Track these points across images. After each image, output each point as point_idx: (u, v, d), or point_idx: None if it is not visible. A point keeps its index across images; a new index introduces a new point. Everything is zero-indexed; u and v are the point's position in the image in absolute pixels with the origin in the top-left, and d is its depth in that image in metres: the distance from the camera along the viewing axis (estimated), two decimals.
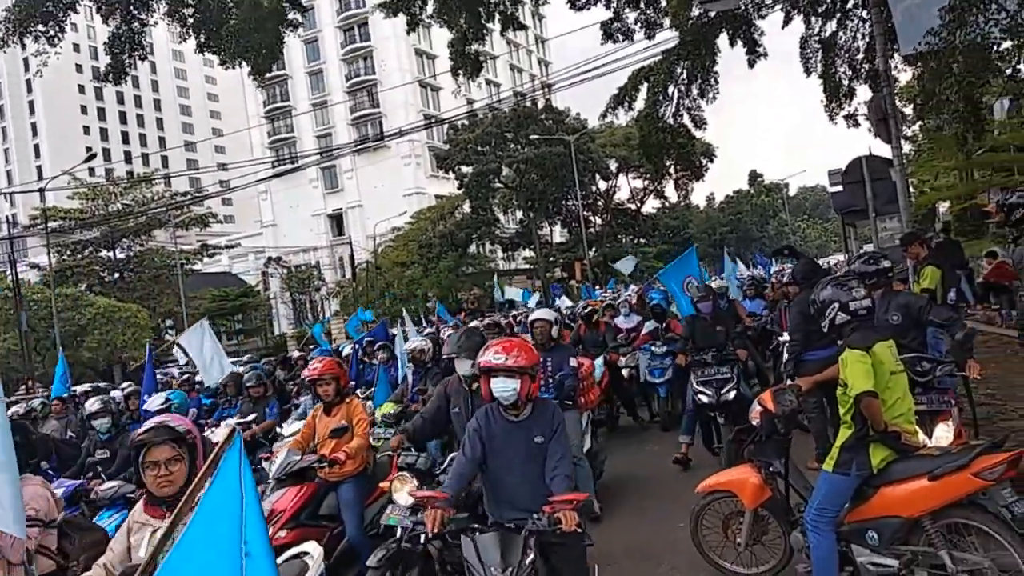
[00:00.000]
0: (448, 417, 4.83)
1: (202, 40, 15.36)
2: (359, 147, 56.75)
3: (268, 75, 17.61)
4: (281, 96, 67.09)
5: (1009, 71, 12.71)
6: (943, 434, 4.43)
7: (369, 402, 8.24)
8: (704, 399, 6.86)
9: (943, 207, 36.17)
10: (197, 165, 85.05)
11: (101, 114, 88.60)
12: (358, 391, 9.24)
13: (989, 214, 6.29)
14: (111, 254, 43.86)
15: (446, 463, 4.59)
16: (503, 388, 3.51)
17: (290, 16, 15.62)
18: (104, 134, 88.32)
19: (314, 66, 66.41)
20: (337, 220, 65.98)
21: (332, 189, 66.05)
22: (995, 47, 10.32)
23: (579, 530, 3.23)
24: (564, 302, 24.37)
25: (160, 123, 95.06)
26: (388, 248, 52.74)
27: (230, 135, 72.76)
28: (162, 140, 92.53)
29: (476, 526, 3.56)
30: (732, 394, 6.77)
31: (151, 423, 3.10)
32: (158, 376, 15.66)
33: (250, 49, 15.09)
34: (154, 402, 8.37)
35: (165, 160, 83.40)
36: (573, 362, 6.32)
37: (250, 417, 8.43)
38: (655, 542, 5.49)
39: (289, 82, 66.34)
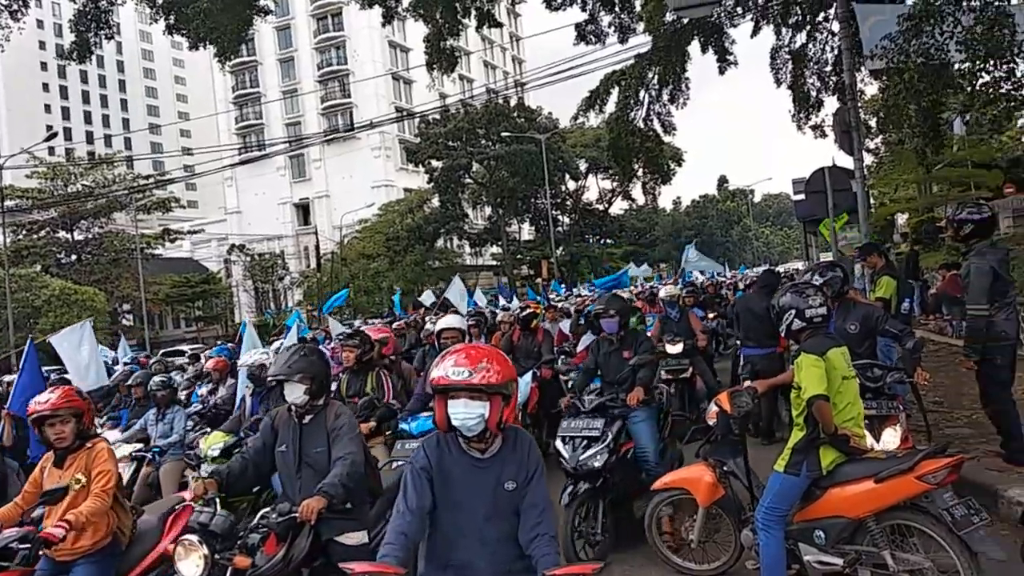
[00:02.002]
0: (273, 459, 3.88)
1: (171, 21, 15.13)
2: (329, 137, 56.21)
3: (238, 61, 17.44)
4: (250, 82, 66.14)
5: (968, 89, 13.07)
6: (890, 439, 4.60)
7: None
8: (562, 461, 5.10)
9: (902, 219, 37.12)
10: (162, 148, 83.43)
11: (63, 92, 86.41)
12: None
13: (943, 228, 6.53)
14: (69, 235, 42.83)
15: (256, 521, 3.64)
16: (466, 415, 2.59)
17: (261, 2, 15.45)
18: (66, 113, 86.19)
19: (285, 53, 65.56)
20: (304, 209, 65.27)
21: (300, 178, 65.30)
22: (954, 65, 10.64)
23: None
24: (514, 304, 23.96)
25: (124, 104, 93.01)
26: (354, 239, 52.37)
27: (197, 120, 71.48)
28: (126, 122, 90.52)
29: None
30: (598, 461, 4.93)
31: None
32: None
33: (216, 31, 14.91)
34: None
35: (128, 142, 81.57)
36: None
37: (136, 426, 7.60)
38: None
39: (259, 68, 65.45)
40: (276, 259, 56.12)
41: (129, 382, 8.52)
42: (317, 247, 49.59)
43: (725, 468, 4.37)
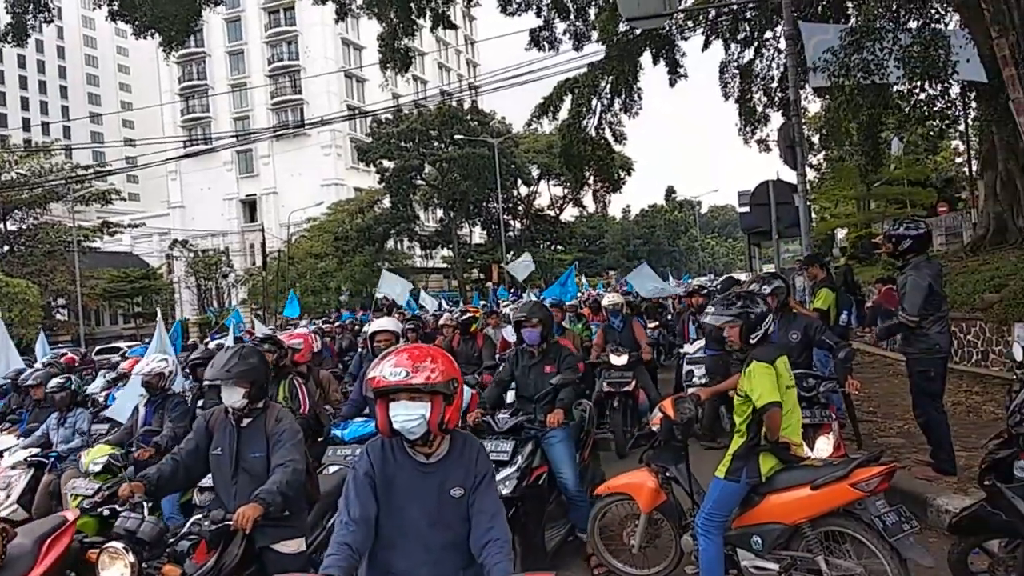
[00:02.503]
0: (207, 461, 3.73)
1: (114, 8, 14.70)
2: (278, 133, 55.23)
3: (185, 52, 17.05)
4: (198, 74, 64.53)
5: (905, 108, 13.56)
6: (824, 446, 4.72)
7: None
8: None
9: (841, 233, 38.34)
10: (103, 139, 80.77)
11: None
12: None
13: (879, 244, 6.74)
14: (2, 225, 41.14)
15: (186, 527, 3.54)
16: (407, 416, 2.50)
17: None
18: (1, 98, 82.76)
19: (235, 46, 64.18)
20: (250, 206, 63.92)
21: (247, 173, 63.91)
22: (893, 87, 11.05)
23: None
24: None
25: (64, 91, 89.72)
26: (302, 238, 51.55)
27: (141, 110, 69.40)
28: (65, 109, 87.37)
29: None
30: (507, 488, 4.43)
31: None
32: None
33: (163, 20, 14.56)
34: None
35: (67, 131, 78.74)
36: None
37: (39, 431, 6.89)
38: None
39: (207, 60, 63.93)
40: (220, 256, 54.86)
41: (30, 382, 7.67)
42: (263, 245, 48.66)
43: (667, 474, 4.40)
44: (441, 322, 10.60)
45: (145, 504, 3.55)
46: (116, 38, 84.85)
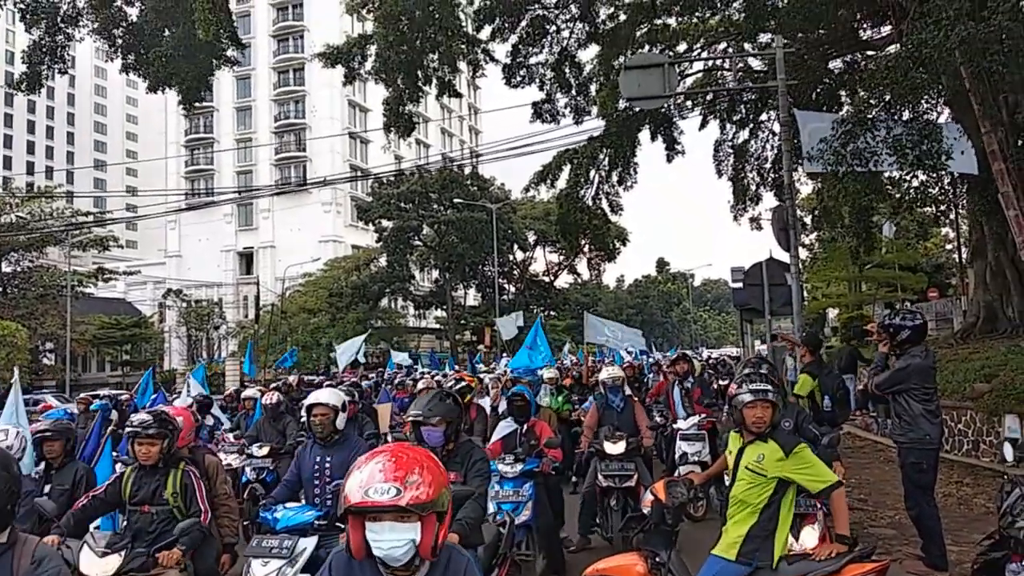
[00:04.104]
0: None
1: (129, 61, 15.05)
2: (281, 191, 55.82)
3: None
4: (205, 127, 65.69)
5: (897, 195, 13.86)
6: (809, 537, 4.63)
7: None
8: None
9: (832, 313, 38.61)
10: (106, 185, 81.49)
11: (7, 120, 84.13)
12: None
13: (869, 332, 6.69)
14: None
15: None
16: (394, 543, 2.08)
17: (228, 52, 15.52)
18: (8, 141, 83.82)
19: (243, 102, 65.52)
20: (247, 258, 64.17)
21: (246, 226, 64.38)
22: (884, 173, 11.32)
23: None
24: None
25: (71, 138, 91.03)
26: (297, 292, 51.56)
27: (146, 162, 70.31)
28: (71, 155, 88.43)
29: None
30: None
31: None
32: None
33: (175, 76, 14.88)
34: None
35: (71, 176, 79.54)
36: None
37: None
38: None
39: (215, 114, 65.13)
40: (213, 307, 54.74)
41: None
42: (257, 297, 48.63)
43: (657, 559, 4.32)
44: (420, 385, 10.27)
45: None
46: (126, 88, 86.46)
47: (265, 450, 7.84)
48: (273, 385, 12.72)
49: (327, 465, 4.63)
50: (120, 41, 15.11)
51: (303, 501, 4.70)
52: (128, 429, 4.48)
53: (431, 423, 4.18)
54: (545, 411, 7.64)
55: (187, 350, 54.24)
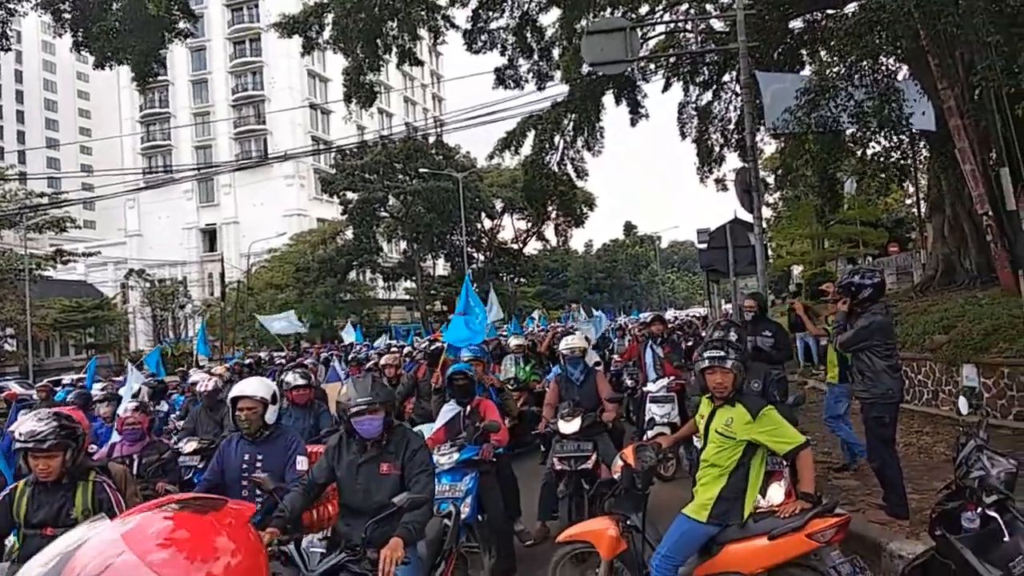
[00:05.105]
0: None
1: (79, 39, 14.53)
2: (241, 165, 54.75)
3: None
4: (160, 102, 63.98)
5: (859, 153, 14.02)
6: (775, 493, 4.77)
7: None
8: None
9: (797, 270, 39.24)
10: (59, 165, 79.20)
11: None
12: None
13: (825, 292, 6.81)
14: None
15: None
16: None
17: (180, 25, 15.06)
18: None
19: (199, 75, 63.84)
20: (210, 235, 63.09)
21: (207, 203, 63.17)
22: (845, 132, 11.44)
23: None
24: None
25: (20, 116, 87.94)
26: (263, 269, 50.93)
27: (101, 140, 68.34)
28: (21, 134, 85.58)
29: None
30: None
31: None
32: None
33: (124, 51, 14.41)
34: None
35: (23, 156, 77.07)
36: (302, 464, 4.30)
37: None
38: None
39: (170, 88, 63.43)
40: (178, 286, 53.85)
41: None
42: (223, 275, 47.90)
43: (628, 522, 4.41)
44: (383, 362, 9.59)
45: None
46: (77, 64, 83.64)
47: (192, 446, 6.64)
48: (216, 370, 11.06)
49: (257, 463, 4.27)
50: (67, 16, 14.58)
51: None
52: (17, 444, 3.57)
53: (372, 410, 3.60)
54: (508, 393, 7.22)
55: (153, 331, 53.41)
